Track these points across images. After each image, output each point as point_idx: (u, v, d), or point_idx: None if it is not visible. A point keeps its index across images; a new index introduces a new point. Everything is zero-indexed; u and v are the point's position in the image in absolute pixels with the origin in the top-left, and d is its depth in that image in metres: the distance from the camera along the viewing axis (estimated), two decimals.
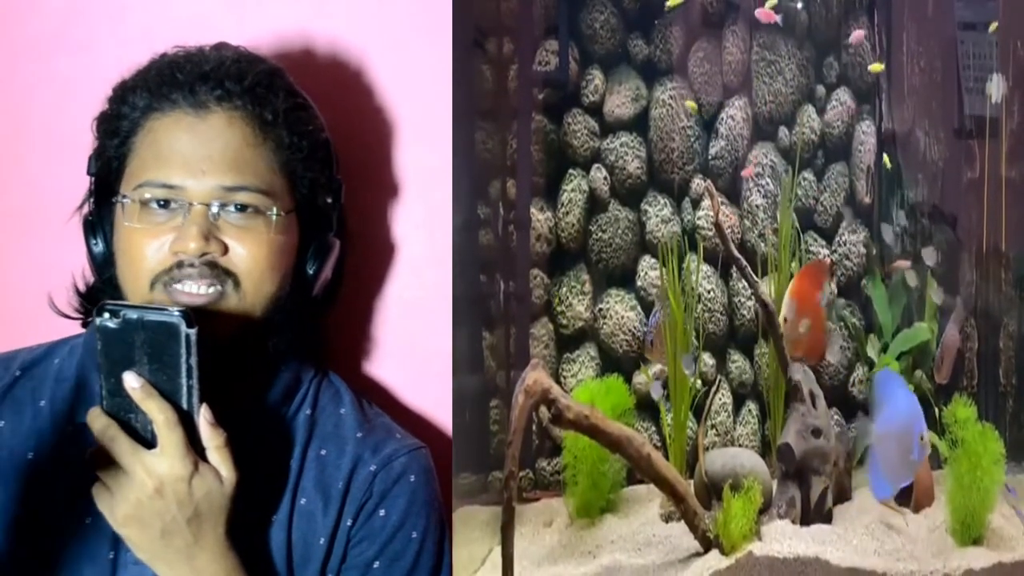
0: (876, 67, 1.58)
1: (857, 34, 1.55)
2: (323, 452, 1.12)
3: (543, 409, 1.26)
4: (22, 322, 1.23)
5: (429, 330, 1.31)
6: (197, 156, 1.04)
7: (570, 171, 1.53)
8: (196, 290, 1.03)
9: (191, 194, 1.04)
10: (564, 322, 1.53)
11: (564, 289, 1.53)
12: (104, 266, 1.10)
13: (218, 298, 1.04)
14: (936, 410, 1.50)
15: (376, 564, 1.11)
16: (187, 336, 0.95)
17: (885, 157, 1.60)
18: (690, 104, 1.52)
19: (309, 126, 1.11)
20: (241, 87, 1.06)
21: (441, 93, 1.29)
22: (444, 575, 1.15)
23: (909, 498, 1.49)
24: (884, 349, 1.57)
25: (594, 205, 1.54)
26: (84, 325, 1.16)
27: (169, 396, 0.96)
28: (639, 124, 1.55)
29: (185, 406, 0.97)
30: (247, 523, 1.03)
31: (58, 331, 1.17)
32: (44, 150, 1.34)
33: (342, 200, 1.16)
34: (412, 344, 1.32)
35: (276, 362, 1.13)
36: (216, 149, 1.05)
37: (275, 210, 1.06)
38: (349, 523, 1.10)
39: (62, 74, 1.33)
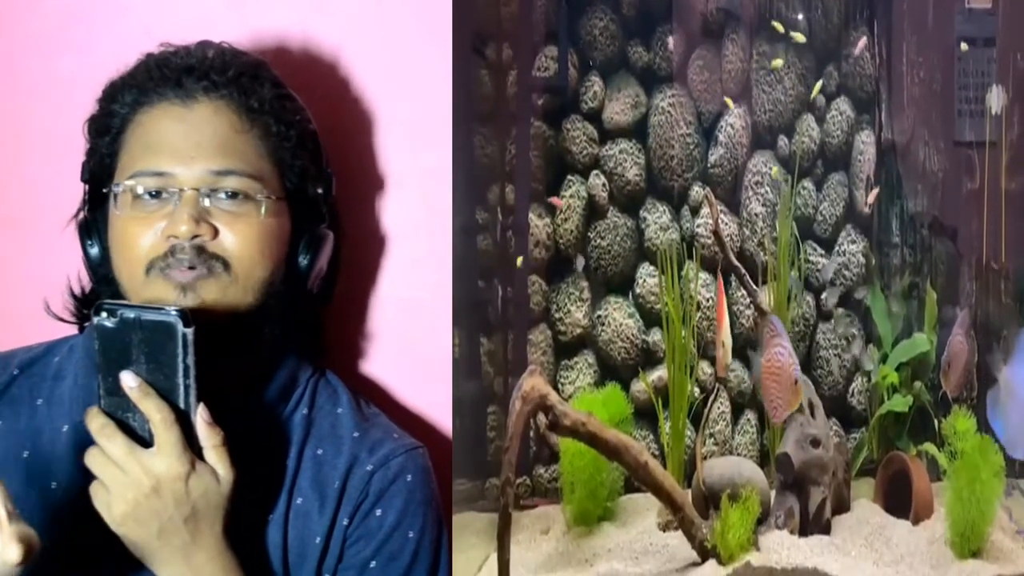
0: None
1: (862, 42, 1.55)
2: (320, 452, 1.12)
3: (540, 416, 1.26)
4: (22, 324, 1.23)
5: (429, 331, 1.31)
6: (186, 143, 1.06)
7: (569, 177, 1.52)
8: (186, 267, 1.03)
9: (181, 180, 1.05)
10: (562, 329, 1.52)
11: (562, 296, 1.53)
12: (100, 267, 1.10)
13: (207, 274, 1.04)
14: (936, 422, 1.50)
15: (373, 564, 1.10)
16: (184, 335, 0.95)
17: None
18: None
19: (296, 116, 1.12)
20: (226, 78, 1.08)
21: (442, 94, 1.28)
22: (443, 575, 1.14)
23: (908, 509, 1.48)
24: (883, 360, 1.57)
25: (593, 212, 1.53)
26: (81, 329, 1.17)
27: (166, 395, 0.96)
28: (638, 131, 1.54)
29: (182, 405, 0.97)
30: (244, 522, 1.02)
31: (58, 333, 1.17)
32: (43, 151, 1.34)
33: (333, 192, 1.17)
34: (412, 345, 1.32)
35: (272, 357, 1.12)
36: (204, 136, 1.06)
37: (265, 194, 1.07)
38: (345, 523, 1.10)
39: (62, 74, 1.33)
